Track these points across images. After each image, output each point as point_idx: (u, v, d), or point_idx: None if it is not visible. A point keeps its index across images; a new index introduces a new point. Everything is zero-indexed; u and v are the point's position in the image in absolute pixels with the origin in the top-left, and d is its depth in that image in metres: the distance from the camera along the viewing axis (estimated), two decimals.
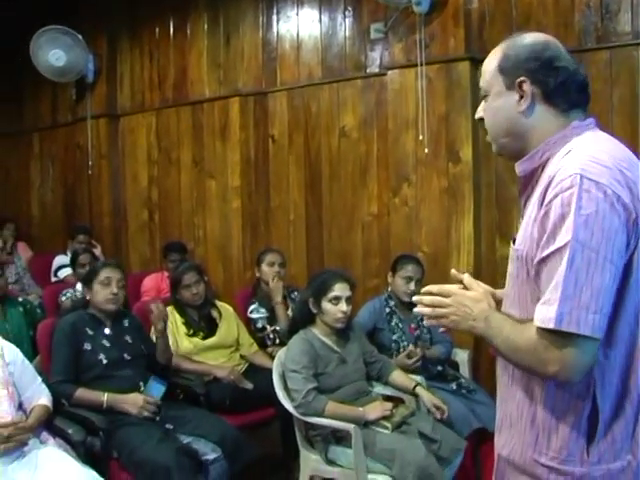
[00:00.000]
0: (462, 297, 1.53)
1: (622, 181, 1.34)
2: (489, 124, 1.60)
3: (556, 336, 1.31)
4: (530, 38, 1.54)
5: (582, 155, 1.39)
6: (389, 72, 4.75)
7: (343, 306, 3.41)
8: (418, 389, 3.51)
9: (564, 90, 1.49)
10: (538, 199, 1.42)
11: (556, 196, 1.34)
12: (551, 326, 1.31)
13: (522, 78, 1.49)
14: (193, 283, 4.22)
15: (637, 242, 1.35)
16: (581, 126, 1.50)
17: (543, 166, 1.50)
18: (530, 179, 1.54)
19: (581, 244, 1.29)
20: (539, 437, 1.47)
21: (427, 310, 1.57)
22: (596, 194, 1.30)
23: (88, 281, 3.62)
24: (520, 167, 1.56)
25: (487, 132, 1.63)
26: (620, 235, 1.31)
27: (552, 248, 1.33)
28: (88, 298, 3.61)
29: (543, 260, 1.36)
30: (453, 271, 1.75)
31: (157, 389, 3.42)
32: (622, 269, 1.34)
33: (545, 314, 1.32)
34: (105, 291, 3.53)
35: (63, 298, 4.62)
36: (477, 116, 1.64)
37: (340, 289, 3.42)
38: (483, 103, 1.62)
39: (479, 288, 1.59)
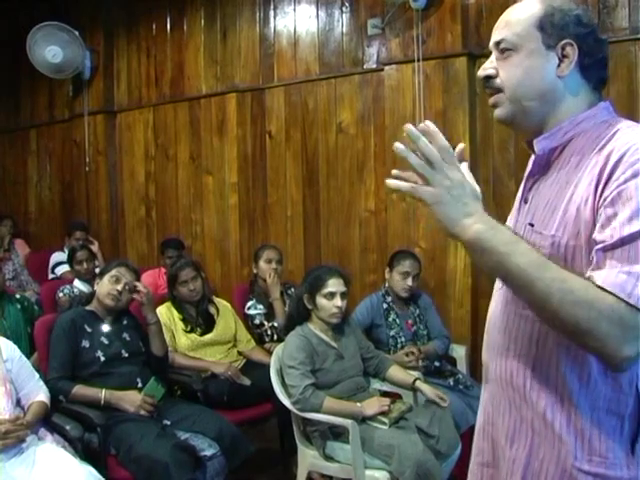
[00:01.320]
0: (464, 180, 1.24)
1: None
2: (516, 82, 1.38)
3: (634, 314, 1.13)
4: (568, 1, 1.39)
5: None
6: (386, 68, 4.74)
7: (338, 301, 3.41)
8: (417, 383, 3.51)
9: (600, 66, 1.38)
10: (583, 180, 1.26)
11: (635, 176, 1.17)
12: None
13: (568, 41, 1.34)
14: (190, 279, 4.22)
15: None
16: (609, 107, 1.39)
17: (564, 146, 1.36)
18: (546, 159, 1.40)
19: None
20: (578, 441, 1.29)
21: (405, 186, 1.25)
22: None
23: (101, 273, 3.69)
24: (539, 145, 1.39)
25: (498, 92, 1.41)
26: None
27: (637, 227, 1.15)
28: (95, 289, 3.64)
29: (622, 240, 1.15)
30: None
31: (157, 391, 3.43)
32: None
33: (633, 290, 1.12)
34: (111, 286, 3.55)
35: (60, 295, 4.62)
36: (484, 73, 1.43)
37: (334, 284, 3.43)
38: (495, 59, 1.42)
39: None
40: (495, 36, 1.42)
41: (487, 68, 1.42)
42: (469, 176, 1.33)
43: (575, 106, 1.37)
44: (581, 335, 1.16)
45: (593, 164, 1.25)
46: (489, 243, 1.19)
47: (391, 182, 1.27)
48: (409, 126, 1.23)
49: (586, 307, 1.13)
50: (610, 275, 1.15)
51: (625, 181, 1.18)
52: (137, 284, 3.63)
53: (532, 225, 1.36)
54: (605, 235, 1.18)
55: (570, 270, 1.19)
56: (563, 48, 1.34)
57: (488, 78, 1.42)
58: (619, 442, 1.27)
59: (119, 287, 3.54)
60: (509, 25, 1.39)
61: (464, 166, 1.36)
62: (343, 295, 3.45)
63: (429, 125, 1.24)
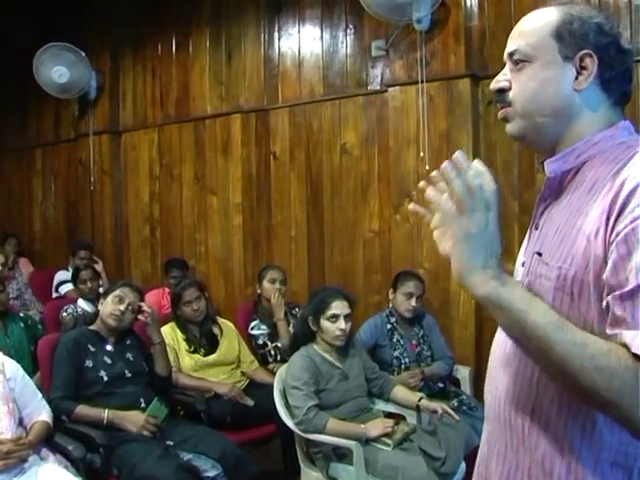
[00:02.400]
0: (493, 225, 1.11)
1: None
2: (529, 96, 1.26)
3: None
4: (589, 8, 1.26)
5: None
6: (390, 89, 4.77)
7: (341, 324, 3.41)
8: (422, 402, 3.50)
9: (623, 79, 1.25)
10: (595, 208, 1.14)
11: None
12: None
13: (587, 51, 1.21)
14: (194, 299, 4.22)
15: None
16: (629, 127, 1.26)
17: (577, 169, 1.24)
18: (559, 183, 1.27)
19: None
20: None
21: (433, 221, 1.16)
22: None
23: (105, 293, 3.70)
24: (550, 167, 1.27)
25: (508, 106, 1.30)
26: None
27: None
28: (98, 309, 3.66)
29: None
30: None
31: (160, 411, 3.42)
32: None
33: None
34: (114, 306, 3.55)
35: (64, 314, 4.62)
36: (497, 85, 1.31)
37: (338, 307, 3.42)
38: (508, 71, 1.31)
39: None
40: (509, 46, 1.31)
41: (500, 80, 1.31)
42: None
43: (593, 123, 1.25)
44: (601, 404, 1.05)
45: (607, 191, 1.13)
46: (505, 302, 1.09)
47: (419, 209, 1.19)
48: (458, 155, 1.11)
49: (608, 375, 1.02)
50: (638, 336, 1.01)
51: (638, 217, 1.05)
52: (142, 304, 3.63)
53: (540, 254, 1.24)
54: (620, 279, 1.05)
55: (587, 331, 1.07)
56: (582, 59, 1.22)
57: (501, 91, 1.31)
58: None
59: (122, 307, 3.54)
60: (523, 35, 1.29)
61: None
62: (347, 317, 3.44)
63: (478, 164, 1.11)
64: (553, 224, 1.24)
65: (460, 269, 1.13)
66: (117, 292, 3.59)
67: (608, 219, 1.10)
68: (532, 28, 1.28)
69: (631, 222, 1.05)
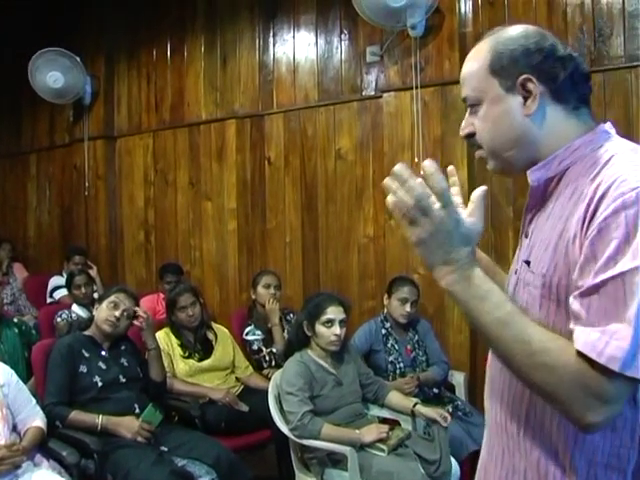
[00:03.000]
0: (453, 223, 1.14)
1: None
2: (489, 137, 1.31)
3: (613, 379, 1.03)
4: (519, 29, 1.29)
5: (637, 165, 1.13)
6: (385, 95, 4.78)
7: (336, 329, 3.41)
8: (417, 407, 3.50)
9: (573, 83, 1.26)
10: (575, 214, 1.15)
11: (617, 212, 1.06)
12: (615, 368, 1.02)
13: (525, 76, 1.24)
14: (189, 305, 4.21)
15: None
16: (607, 131, 1.27)
17: (561, 176, 1.25)
18: (544, 190, 1.29)
19: None
20: None
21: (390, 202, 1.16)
22: None
23: (100, 299, 3.69)
24: (533, 176, 1.28)
25: (480, 148, 1.35)
26: None
27: (614, 272, 1.05)
28: (93, 314, 3.66)
29: (597, 287, 1.06)
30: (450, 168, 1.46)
31: (154, 417, 3.41)
32: None
33: (604, 349, 1.03)
34: (109, 312, 3.55)
35: (58, 319, 4.61)
36: (464, 132, 1.35)
37: (333, 312, 3.43)
38: (469, 116, 1.34)
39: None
40: (462, 93, 1.35)
41: (464, 127, 1.35)
42: (469, 217, 1.24)
43: (562, 135, 1.26)
44: (545, 397, 1.11)
45: (584, 196, 1.15)
46: (459, 297, 1.14)
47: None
48: (398, 168, 1.14)
49: (546, 372, 1.07)
50: (583, 334, 1.06)
51: (605, 219, 1.08)
52: (137, 309, 3.63)
53: (528, 263, 1.27)
54: (583, 279, 1.09)
55: (540, 324, 1.12)
56: (523, 85, 1.25)
57: (470, 136, 1.34)
58: None
59: (117, 313, 3.54)
60: (466, 81, 1.33)
61: (472, 206, 1.34)
62: (342, 323, 3.45)
63: (427, 166, 1.14)
64: (540, 232, 1.26)
65: (424, 263, 1.17)
66: (112, 298, 3.58)
67: (583, 224, 1.12)
68: (471, 72, 1.32)
69: (597, 225, 1.08)
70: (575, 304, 1.09)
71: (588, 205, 1.12)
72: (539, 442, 1.23)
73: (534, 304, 1.21)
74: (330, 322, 3.41)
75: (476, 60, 1.31)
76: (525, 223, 1.36)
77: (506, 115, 1.27)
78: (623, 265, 1.04)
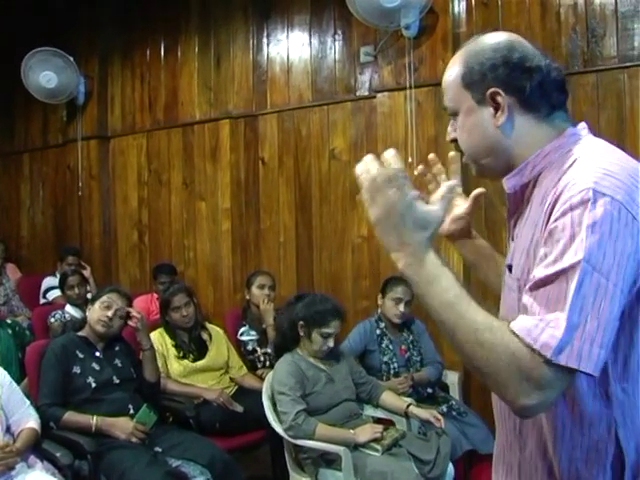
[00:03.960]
0: (404, 205, 1.19)
1: (636, 198, 1.15)
2: (465, 145, 1.37)
3: (546, 366, 1.08)
4: (490, 41, 1.33)
5: (593, 167, 1.18)
6: (378, 95, 4.79)
7: (330, 342, 3.44)
8: (411, 407, 3.51)
9: (542, 92, 1.29)
10: (541, 219, 1.21)
11: (564, 214, 1.13)
12: (548, 354, 1.07)
13: (493, 89, 1.29)
14: (183, 305, 4.21)
15: None
16: (576, 133, 1.31)
17: (535, 181, 1.30)
18: (520, 196, 1.35)
19: (592, 267, 1.09)
20: None
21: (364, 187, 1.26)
22: (611, 212, 1.11)
23: (92, 299, 3.68)
24: (508, 183, 1.35)
25: (463, 153, 1.41)
26: (633, 260, 1.12)
27: (558, 268, 1.11)
28: (86, 315, 3.64)
29: (543, 281, 1.12)
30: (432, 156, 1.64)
31: (149, 418, 3.40)
32: (635, 298, 1.16)
33: (538, 334, 1.08)
34: (101, 312, 3.54)
35: (52, 320, 4.60)
36: (449, 138, 1.42)
37: (335, 327, 3.45)
38: (452, 123, 1.40)
39: (450, 210, 1.49)
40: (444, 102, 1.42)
41: (449, 133, 1.42)
42: (430, 203, 1.25)
43: (534, 143, 1.30)
44: (485, 378, 1.13)
45: (549, 199, 1.20)
46: (411, 279, 1.19)
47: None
48: (367, 156, 1.26)
49: (487, 350, 1.10)
50: (523, 319, 1.11)
51: (555, 220, 1.14)
52: (131, 310, 3.62)
53: (510, 267, 1.33)
54: (533, 276, 1.15)
55: (483, 312, 1.15)
56: (492, 98, 1.30)
57: (454, 140, 1.41)
58: None
59: (110, 313, 3.53)
60: (445, 91, 1.39)
61: (449, 184, 1.37)
62: (335, 336, 3.47)
63: (387, 153, 1.25)
64: (519, 238, 1.32)
65: (385, 248, 1.22)
66: (104, 298, 3.58)
67: (543, 229, 1.19)
68: (448, 84, 1.38)
69: (549, 228, 1.15)
70: (524, 298, 1.15)
71: (547, 210, 1.19)
72: (531, 438, 1.28)
73: (514, 307, 1.24)
74: (328, 335, 3.43)
75: (452, 72, 1.36)
76: (510, 227, 1.41)
77: (479, 126, 1.33)
78: (566, 261, 1.10)
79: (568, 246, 1.11)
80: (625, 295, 1.12)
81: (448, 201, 1.28)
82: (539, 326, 1.09)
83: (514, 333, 1.10)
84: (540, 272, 1.13)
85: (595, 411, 1.20)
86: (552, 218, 1.15)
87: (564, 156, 1.27)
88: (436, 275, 1.17)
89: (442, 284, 1.16)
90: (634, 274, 1.13)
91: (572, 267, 1.09)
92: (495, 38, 1.34)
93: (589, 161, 1.21)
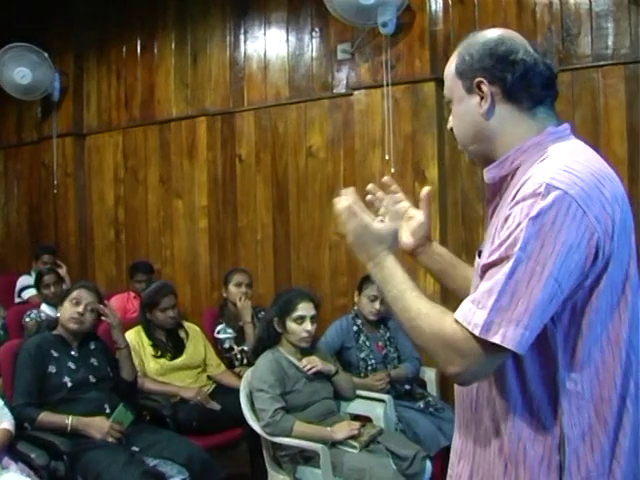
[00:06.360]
0: (362, 229, 1.45)
1: (594, 196, 1.23)
2: (457, 132, 1.49)
3: (475, 342, 1.22)
4: (484, 36, 1.43)
5: (556, 163, 1.27)
6: (356, 92, 4.79)
7: (308, 325, 3.42)
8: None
9: (525, 85, 1.37)
10: (506, 208, 1.30)
11: (517, 203, 1.24)
12: (476, 332, 1.21)
13: (479, 79, 1.39)
14: (170, 307, 4.18)
15: (606, 264, 1.25)
16: (557, 132, 1.38)
17: (513, 174, 1.38)
18: (499, 187, 1.43)
19: (527, 256, 1.19)
20: (507, 468, 1.33)
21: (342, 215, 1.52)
22: (559, 205, 1.19)
23: (62, 298, 3.63)
24: (489, 174, 1.44)
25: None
26: (575, 253, 1.20)
27: (497, 256, 1.24)
28: (59, 315, 3.59)
29: (491, 265, 1.25)
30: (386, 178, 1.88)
31: (125, 417, 3.38)
32: (587, 291, 1.25)
33: (471, 316, 1.23)
34: (72, 309, 3.50)
35: (27, 319, 4.56)
36: (448, 126, 1.53)
37: (304, 308, 3.43)
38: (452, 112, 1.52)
39: (407, 222, 1.71)
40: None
41: (449, 122, 1.52)
42: (383, 223, 1.53)
43: (515, 134, 1.39)
44: (425, 351, 1.31)
45: (514, 192, 1.30)
46: (376, 281, 1.43)
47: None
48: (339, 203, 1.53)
49: (419, 333, 1.30)
50: (463, 305, 1.27)
51: (510, 209, 1.26)
52: (100, 307, 3.58)
53: (480, 252, 1.44)
54: (486, 257, 1.29)
55: (426, 300, 1.33)
56: (478, 87, 1.39)
57: (452, 130, 1.52)
58: (546, 474, 1.29)
59: (80, 309, 3.49)
60: (445, 80, 1.49)
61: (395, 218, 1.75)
62: (313, 319, 3.45)
63: (344, 192, 1.55)
64: (491, 226, 1.41)
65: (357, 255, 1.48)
66: (74, 295, 3.54)
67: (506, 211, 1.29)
68: (446, 74, 1.49)
69: (506, 213, 1.27)
70: (479, 281, 1.30)
71: (510, 200, 1.29)
72: (486, 416, 1.38)
73: None
74: (301, 319, 3.42)
75: (451, 62, 1.47)
76: (488, 215, 1.49)
77: (467, 113, 1.44)
78: (505, 249, 1.22)
79: (512, 234, 1.22)
80: (565, 286, 1.22)
81: (397, 215, 1.57)
82: (472, 309, 1.23)
83: (456, 321, 1.25)
84: (487, 258, 1.27)
85: (543, 395, 1.29)
86: (509, 207, 1.27)
87: (539, 153, 1.34)
88: (390, 275, 1.40)
89: (393, 282, 1.38)
90: (581, 267, 1.22)
91: (508, 255, 1.22)
92: (489, 33, 1.44)
93: (555, 159, 1.30)
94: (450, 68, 1.47)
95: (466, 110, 1.44)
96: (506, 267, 1.21)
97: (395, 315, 1.37)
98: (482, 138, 1.43)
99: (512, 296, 1.20)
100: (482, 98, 1.40)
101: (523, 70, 1.36)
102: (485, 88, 1.38)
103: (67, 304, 3.53)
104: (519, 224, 1.21)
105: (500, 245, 1.24)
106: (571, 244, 1.20)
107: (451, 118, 1.51)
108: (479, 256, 1.43)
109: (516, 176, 1.36)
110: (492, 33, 1.43)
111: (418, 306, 1.32)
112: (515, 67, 1.36)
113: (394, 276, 1.38)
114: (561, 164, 1.26)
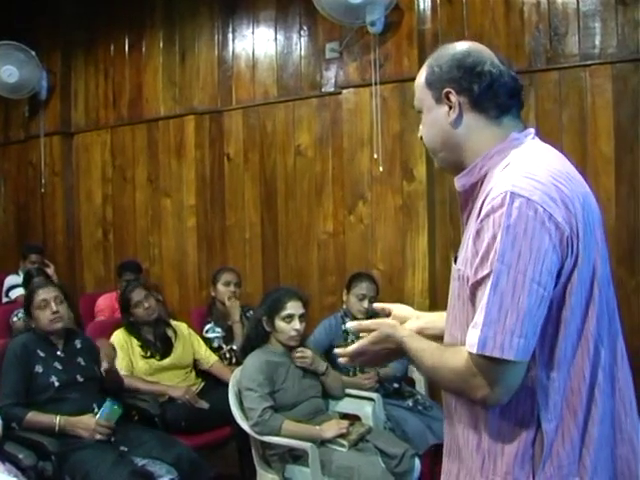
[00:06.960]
0: (374, 346, 1.56)
1: (557, 198, 1.29)
2: (426, 140, 1.55)
3: (483, 361, 1.28)
4: (453, 48, 1.51)
5: (516, 170, 1.34)
6: (344, 91, 4.79)
7: (296, 324, 3.41)
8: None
9: (491, 95, 1.44)
10: (476, 216, 1.37)
11: (487, 215, 1.30)
12: (474, 351, 1.28)
13: (448, 89, 1.45)
14: (143, 299, 4.16)
15: (575, 261, 1.31)
16: (519, 138, 1.45)
17: (482, 180, 1.44)
18: (470, 194, 1.48)
19: (507, 266, 1.26)
20: (485, 462, 1.40)
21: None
22: (526, 212, 1.26)
23: (28, 310, 3.53)
24: (459, 182, 1.50)
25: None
26: (550, 255, 1.27)
27: (485, 271, 1.29)
28: (33, 326, 3.52)
29: (478, 283, 1.32)
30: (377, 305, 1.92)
31: (113, 412, 3.35)
32: (561, 290, 1.31)
33: (471, 339, 1.30)
34: (45, 313, 3.43)
35: (14, 319, 4.53)
36: (419, 135, 1.59)
37: (293, 307, 3.43)
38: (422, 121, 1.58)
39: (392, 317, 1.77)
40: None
41: (420, 130, 1.58)
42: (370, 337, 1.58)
43: (482, 142, 1.45)
44: (458, 394, 1.43)
45: (481, 200, 1.37)
46: (408, 356, 1.50)
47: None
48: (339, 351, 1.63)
49: (440, 378, 1.44)
50: (468, 334, 1.32)
51: (481, 221, 1.32)
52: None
53: (456, 259, 1.48)
54: (472, 276, 1.34)
55: (448, 347, 1.44)
56: (446, 97, 1.46)
57: (422, 138, 1.58)
58: (521, 465, 1.35)
59: (53, 308, 3.44)
60: (415, 90, 1.56)
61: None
62: (301, 317, 3.45)
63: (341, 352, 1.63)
64: (466, 232, 1.46)
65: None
66: (37, 301, 3.46)
67: (476, 224, 1.35)
68: (417, 84, 1.55)
69: (476, 227, 1.33)
70: (472, 298, 1.37)
71: (479, 208, 1.36)
72: (464, 413, 1.45)
73: (459, 294, 1.44)
74: (290, 317, 3.42)
75: (420, 73, 1.54)
76: (463, 222, 1.54)
77: (436, 122, 1.50)
78: (486, 265, 1.29)
79: (491, 248, 1.28)
80: (549, 287, 1.28)
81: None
82: (470, 333, 1.31)
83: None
84: (474, 275, 1.33)
85: (521, 391, 1.33)
86: (479, 218, 1.33)
87: (502, 160, 1.42)
88: (410, 350, 1.49)
89: (419, 350, 1.47)
90: (555, 268, 1.28)
91: (490, 270, 1.28)
92: (458, 46, 1.51)
93: (516, 165, 1.36)
94: (420, 79, 1.53)
95: (435, 119, 1.50)
96: (489, 282, 1.28)
97: (422, 371, 1.54)
98: (451, 146, 1.49)
99: (500, 308, 1.26)
100: (450, 108, 1.46)
101: (489, 81, 1.43)
102: (453, 98, 1.45)
103: (37, 312, 3.45)
104: (494, 237, 1.28)
105: (481, 261, 1.30)
106: (546, 248, 1.26)
107: (421, 127, 1.56)
108: (455, 262, 1.48)
109: (484, 183, 1.43)
110: (460, 46, 1.50)
111: (437, 358, 1.41)
112: (482, 78, 1.43)
113: (415, 350, 1.47)
114: (521, 170, 1.33)
